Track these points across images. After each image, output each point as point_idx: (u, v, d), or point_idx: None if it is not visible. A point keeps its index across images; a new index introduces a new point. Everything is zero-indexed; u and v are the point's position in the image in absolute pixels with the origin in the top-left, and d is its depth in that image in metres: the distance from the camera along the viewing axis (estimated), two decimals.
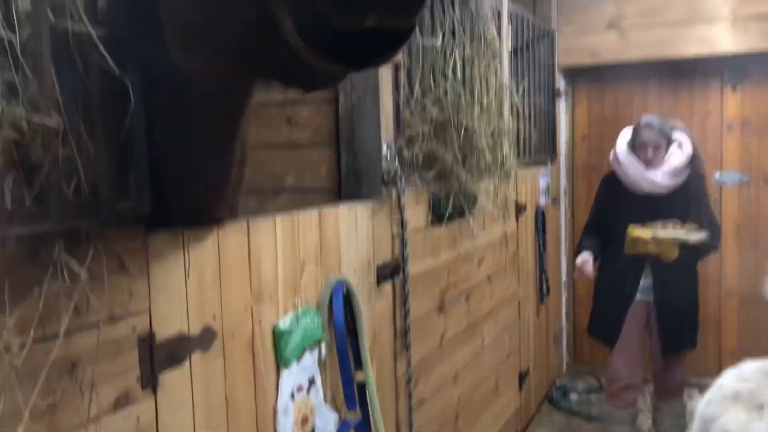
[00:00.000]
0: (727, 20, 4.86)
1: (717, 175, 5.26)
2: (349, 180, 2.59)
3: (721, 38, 4.88)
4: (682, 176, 3.76)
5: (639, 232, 3.60)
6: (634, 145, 3.80)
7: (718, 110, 5.27)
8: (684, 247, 3.57)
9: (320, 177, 2.71)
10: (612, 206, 3.91)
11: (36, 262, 1.14)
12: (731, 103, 5.26)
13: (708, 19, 4.90)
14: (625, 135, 3.92)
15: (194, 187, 1.48)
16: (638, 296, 3.82)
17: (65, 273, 1.16)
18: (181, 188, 1.48)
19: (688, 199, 3.77)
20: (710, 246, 3.73)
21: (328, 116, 2.67)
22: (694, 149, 3.78)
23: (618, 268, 3.83)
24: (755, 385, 2.22)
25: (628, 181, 3.79)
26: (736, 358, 4.60)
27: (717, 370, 4.82)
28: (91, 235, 1.26)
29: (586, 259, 3.83)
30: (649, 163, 3.73)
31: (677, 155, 3.75)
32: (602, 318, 3.98)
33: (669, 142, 3.79)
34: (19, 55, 1.11)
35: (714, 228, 3.77)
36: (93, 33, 1.23)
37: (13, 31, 1.09)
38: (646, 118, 3.88)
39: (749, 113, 5.21)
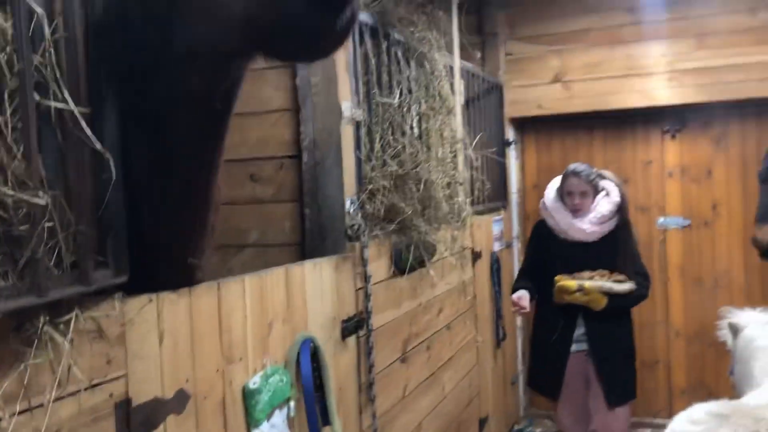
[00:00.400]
0: (664, 74, 5.16)
1: (660, 219, 5.50)
2: (314, 235, 2.65)
3: (660, 91, 5.17)
4: (610, 224, 3.83)
5: (565, 281, 3.63)
6: (562, 193, 3.88)
7: (660, 158, 5.54)
8: (612, 296, 3.63)
9: (284, 232, 2.76)
10: (542, 253, 3.98)
11: (20, 336, 1.16)
12: (671, 151, 5.54)
13: (647, 73, 5.19)
14: (554, 183, 4.01)
15: (174, 231, 1.53)
16: (574, 347, 3.84)
17: (49, 345, 1.18)
18: (161, 235, 1.53)
19: (616, 247, 3.82)
20: (639, 295, 3.80)
21: (292, 173, 2.74)
22: (622, 197, 3.86)
23: (552, 317, 3.85)
24: (705, 427, 2.34)
25: (557, 229, 3.88)
26: (686, 395, 4.74)
27: (668, 408, 4.97)
28: (72, 305, 1.28)
29: (521, 295, 3.87)
30: (577, 211, 3.81)
31: (604, 203, 3.82)
32: (540, 370, 4.00)
33: (596, 190, 3.87)
34: (9, 135, 1.14)
35: (642, 277, 3.83)
36: (75, 110, 1.28)
37: (2, 113, 1.13)
38: (573, 166, 3.95)
39: (688, 161, 5.49)
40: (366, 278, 2.62)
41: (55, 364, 1.23)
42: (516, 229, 5.65)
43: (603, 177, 3.95)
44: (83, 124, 1.29)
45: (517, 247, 5.64)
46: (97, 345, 1.36)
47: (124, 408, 1.44)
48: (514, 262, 5.53)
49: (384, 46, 3.00)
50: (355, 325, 2.55)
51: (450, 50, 3.86)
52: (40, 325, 1.18)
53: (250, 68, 2.23)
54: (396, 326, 2.98)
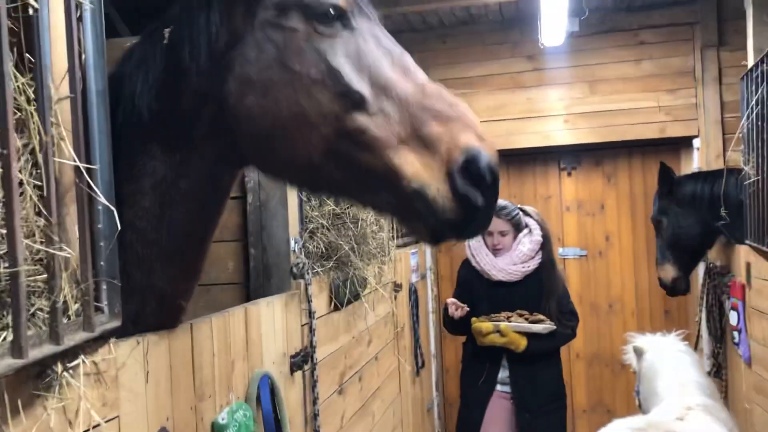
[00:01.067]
0: (561, 117, 5.64)
1: (560, 250, 5.94)
2: (259, 273, 2.75)
3: (557, 132, 5.64)
4: (534, 262, 3.77)
5: (480, 323, 3.59)
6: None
7: (558, 193, 6.01)
8: (533, 337, 3.56)
9: (227, 271, 2.84)
10: (468, 293, 3.90)
11: (40, 383, 1.23)
12: (567, 187, 6.02)
13: (545, 115, 5.65)
14: None
15: (176, 278, 1.64)
16: (499, 387, 3.77)
17: (66, 390, 1.25)
18: (165, 283, 1.67)
19: (540, 286, 3.74)
20: (565, 335, 3.75)
21: (236, 213, 2.83)
22: (545, 235, 3.81)
23: (478, 359, 3.77)
24: None
25: (480, 269, 3.82)
26: (587, 414, 5.14)
27: (571, 425, 5.34)
28: (77, 350, 1.35)
29: (453, 300, 3.83)
30: (498, 251, 3.75)
31: (526, 242, 3.75)
32: (467, 414, 3.85)
33: (518, 227, 3.81)
34: (32, 193, 1.22)
35: (570, 316, 3.79)
36: (84, 171, 1.37)
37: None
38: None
39: (583, 196, 5.99)
40: (310, 314, 2.74)
41: (67, 409, 1.29)
42: (429, 261, 5.92)
43: (525, 213, 3.89)
44: (89, 179, 1.38)
45: (430, 278, 5.91)
46: (97, 388, 1.43)
47: None
48: (428, 293, 5.78)
49: None
50: (301, 360, 2.66)
51: None
52: (59, 372, 1.24)
53: None
54: (334, 359, 3.11)
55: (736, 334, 4.34)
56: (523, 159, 6.03)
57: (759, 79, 3.69)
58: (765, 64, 3.57)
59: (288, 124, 1.46)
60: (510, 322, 3.56)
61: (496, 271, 3.76)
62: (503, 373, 3.73)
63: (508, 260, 3.73)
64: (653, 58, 5.51)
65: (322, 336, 2.94)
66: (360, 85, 1.43)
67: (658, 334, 3.54)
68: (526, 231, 3.82)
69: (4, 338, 1.15)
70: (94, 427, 1.41)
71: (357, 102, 1.42)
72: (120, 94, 1.59)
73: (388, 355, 4.11)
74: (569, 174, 6.02)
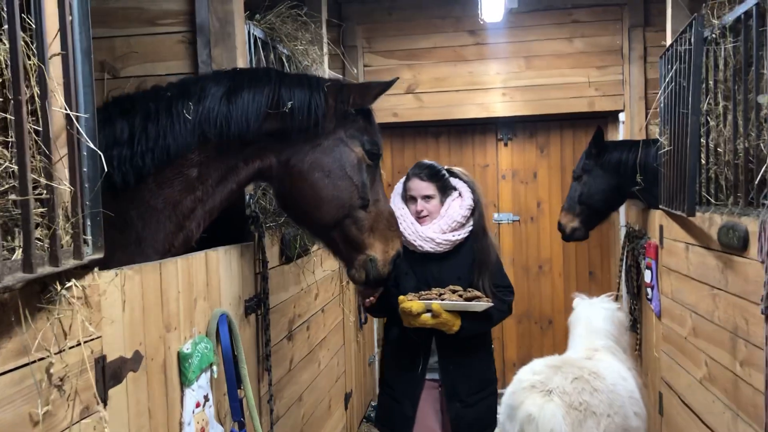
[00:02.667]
0: (499, 90, 5.96)
1: (495, 215, 6.31)
2: None
3: (495, 104, 5.97)
4: (464, 231, 3.25)
5: (409, 303, 3.02)
6: (406, 197, 3.31)
7: (495, 162, 6.36)
8: (466, 316, 3.06)
9: None
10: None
11: (45, 297, 1.45)
12: (504, 157, 6.38)
13: (485, 88, 5.96)
14: (399, 187, 3.42)
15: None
16: (428, 375, 3.27)
17: (64, 305, 1.48)
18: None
19: (473, 257, 3.26)
20: (501, 311, 3.25)
21: None
22: (476, 199, 3.31)
23: (404, 344, 3.24)
24: (544, 377, 3.00)
25: (404, 239, 3.09)
26: (516, 367, 5.53)
27: (502, 379, 5.78)
28: (69, 276, 1.57)
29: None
30: (423, 218, 3.23)
31: (456, 207, 3.24)
32: (398, 409, 3.27)
33: (445, 190, 3.28)
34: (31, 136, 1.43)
35: (505, 290, 3.31)
36: (74, 117, 1.57)
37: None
38: (418, 164, 3.37)
39: (517, 165, 6.36)
40: (264, 264, 2.98)
41: (63, 323, 1.51)
42: None
43: (453, 174, 3.41)
44: (81, 131, 1.59)
45: None
46: (85, 309, 1.65)
47: (101, 363, 1.73)
48: None
49: (272, 57, 3.38)
50: (255, 304, 2.91)
51: (321, 62, 4.30)
52: (59, 290, 1.46)
53: (157, 78, 2.92)
54: (284, 307, 3.36)
55: (649, 290, 4.79)
56: (464, 129, 6.36)
57: (674, 58, 4.07)
58: (679, 44, 3.94)
59: (326, 197, 2.48)
60: (442, 299, 3.02)
61: (422, 241, 3.19)
62: (432, 359, 3.24)
63: (435, 228, 3.20)
64: (585, 36, 5.87)
65: (273, 285, 3.18)
66: (370, 195, 2.57)
67: (597, 298, 3.88)
68: (455, 194, 3.30)
69: (15, 257, 1.37)
70: (85, 341, 1.64)
71: (365, 204, 2.56)
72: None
73: (333, 309, 4.39)
74: (506, 144, 6.38)
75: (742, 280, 2.98)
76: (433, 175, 3.29)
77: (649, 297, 4.80)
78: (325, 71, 4.41)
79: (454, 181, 3.36)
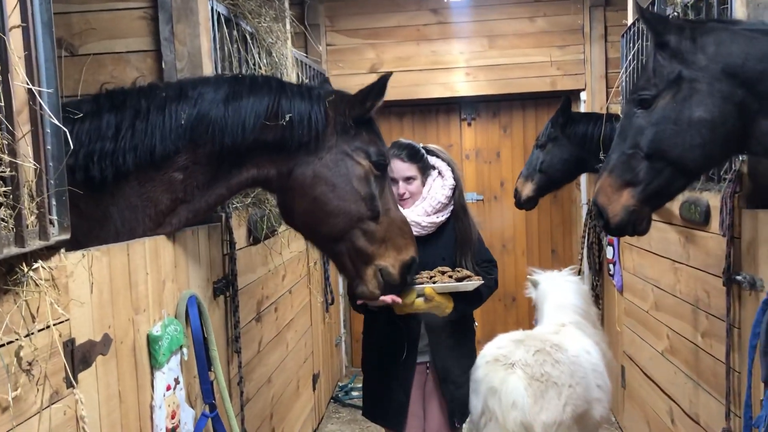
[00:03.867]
0: (462, 70, 5.97)
1: None
2: None
3: (458, 84, 5.97)
4: (446, 211, 3.15)
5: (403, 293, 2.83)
6: None
7: (459, 142, 6.38)
8: (457, 297, 2.98)
9: None
10: None
11: (11, 279, 1.39)
12: (467, 136, 6.40)
13: (448, 68, 5.96)
14: None
15: None
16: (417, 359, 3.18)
17: (32, 286, 1.43)
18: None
19: (454, 236, 3.16)
20: (488, 287, 3.17)
21: None
22: (456, 178, 3.21)
23: (392, 328, 3.11)
24: (507, 350, 3.03)
25: None
26: (480, 344, 5.56)
27: None
28: (36, 257, 1.52)
29: None
30: (404, 201, 3.09)
31: (438, 188, 3.13)
32: (389, 396, 3.17)
33: (425, 170, 3.17)
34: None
35: (489, 264, 3.26)
36: (36, 92, 1.51)
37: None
38: (396, 143, 3.20)
39: (481, 144, 6.39)
40: (231, 245, 2.94)
41: (31, 305, 1.47)
42: None
43: (432, 153, 3.27)
44: (47, 109, 1.53)
45: None
46: (52, 291, 1.60)
47: (70, 346, 1.68)
48: None
49: (236, 35, 3.31)
50: (223, 286, 2.87)
51: (285, 40, 4.23)
52: (26, 271, 1.41)
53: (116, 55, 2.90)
54: (252, 289, 3.33)
55: (611, 266, 4.89)
56: (428, 109, 6.35)
57: (635, 37, 4.12)
58: (640, 23, 3.98)
59: (332, 211, 2.41)
60: (434, 282, 2.93)
61: None
62: (422, 342, 3.16)
63: (419, 211, 3.09)
64: (547, 15, 5.90)
65: (241, 267, 3.14)
66: (380, 207, 2.49)
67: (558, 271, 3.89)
68: (435, 174, 3.20)
69: None
70: (54, 324, 1.59)
71: (375, 215, 2.48)
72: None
73: (301, 290, 4.36)
74: (469, 124, 6.40)
75: (704, 253, 3.05)
76: (414, 155, 3.14)
77: (611, 273, 4.89)
78: (289, 49, 4.34)
79: (432, 159, 3.24)
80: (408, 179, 3.12)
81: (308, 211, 2.44)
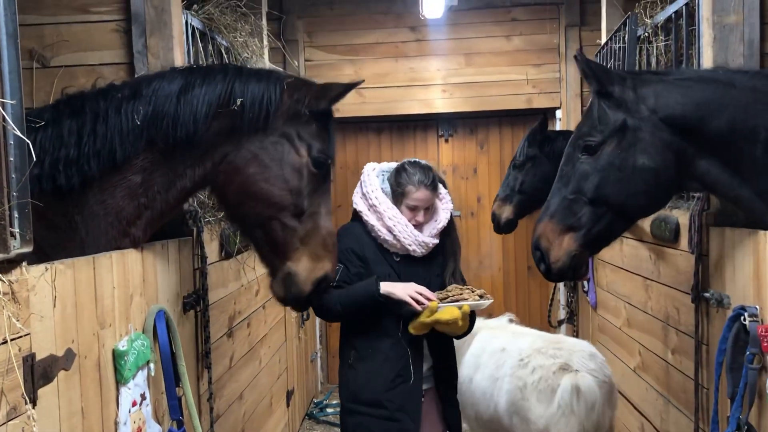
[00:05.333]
0: (439, 86, 6.01)
1: None
2: None
3: (436, 101, 6.01)
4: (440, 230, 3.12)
5: (450, 308, 2.78)
6: (398, 199, 3.04)
7: (436, 157, 6.41)
8: (471, 315, 2.89)
9: None
10: (367, 271, 3.00)
11: None
12: (445, 152, 6.44)
13: (425, 84, 6.00)
14: (376, 182, 3.13)
15: None
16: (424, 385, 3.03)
17: None
18: None
19: (445, 256, 3.13)
20: None
21: None
22: (451, 199, 3.22)
23: (394, 351, 2.94)
24: (563, 356, 3.14)
25: (393, 242, 3.00)
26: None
27: None
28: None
29: (422, 290, 2.86)
30: (419, 225, 3.04)
31: (441, 210, 3.13)
32: (388, 428, 2.93)
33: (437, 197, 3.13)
34: None
35: (463, 281, 3.16)
36: (0, 105, 1.50)
37: None
38: (422, 169, 3.06)
39: (458, 161, 6.43)
40: (203, 259, 2.92)
41: None
42: None
43: (440, 180, 3.20)
44: (7, 115, 1.51)
45: None
46: (12, 305, 1.57)
47: (29, 362, 1.65)
48: None
49: (211, 49, 3.30)
50: (194, 301, 2.84)
51: (261, 55, 4.23)
52: None
53: (89, 68, 2.88)
54: (224, 303, 3.30)
55: (585, 283, 4.92)
56: (406, 125, 6.38)
57: (608, 56, 4.18)
58: (614, 42, 4.05)
59: (259, 193, 2.34)
60: (464, 300, 2.82)
61: (416, 245, 3.01)
62: (426, 365, 3.04)
63: (427, 233, 3.05)
64: (523, 34, 5.98)
65: (213, 281, 3.12)
66: (305, 205, 2.40)
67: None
68: (439, 199, 3.16)
69: None
70: (12, 339, 1.56)
71: (298, 211, 2.40)
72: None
73: (275, 305, 4.32)
74: (446, 140, 6.43)
75: (674, 270, 3.09)
76: (435, 184, 3.07)
77: (586, 289, 4.92)
78: (266, 64, 4.35)
79: (440, 187, 3.18)
80: (428, 207, 3.07)
81: (236, 192, 2.37)
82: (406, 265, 3.03)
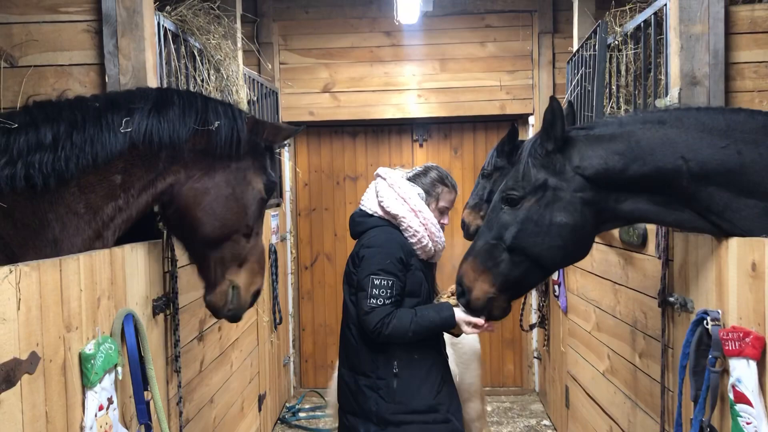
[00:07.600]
0: (414, 91, 6.04)
1: None
2: None
3: (411, 105, 6.04)
4: None
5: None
6: (429, 202, 3.07)
7: (410, 162, 6.43)
8: None
9: None
10: (405, 278, 2.95)
11: None
12: (419, 157, 6.46)
13: (400, 89, 6.02)
14: (409, 186, 3.08)
15: None
16: None
17: None
18: None
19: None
20: None
21: None
22: None
23: (435, 358, 3.03)
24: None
25: (429, 248, 3.01)
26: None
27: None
28: None
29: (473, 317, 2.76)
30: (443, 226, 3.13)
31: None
32: (451, 429, 2.96)
33: None
34: None
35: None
36: None
37: None
38: (446, 173, 3.19)
39: None
40: (173, 262, 2.89)
41: None
42: (289, 224, 6.15)
43: None
44: None
45: (290, 241, 6.14)
46: None
47: None
48: (288, 254, 6.02)
49: (183, 51, 3.29)
50: (163, 304, 2.82)
51: (235, 57, 4.22)
52: None
53: (58, 68, 2.90)
54: (194, 307, 3.27)
55: (556, 288, 4.97)
56: (381, 129, 6.39)
57: (579, 63, 4.24)
58: (585, 50, 4.11)
59: (224, 214, 2.53)
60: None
61: (441, 249, 3.11)
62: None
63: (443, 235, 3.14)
64: (497, 41, 6.03)
65: (183, 284, 3.10)
66: (255, 226, 2.66)
67: None
68: None
69: None
70: None
71: (249, 232, 2.63)
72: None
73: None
74: (421, 145, 6.46)
75: (642, 275, 3.13)
76: (455, 187, 3.23)
77: (557, 294, 4.97)
78: (240, 67, 4.33)
79: None
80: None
81: (202, 211, 2.53)
82: (427, 270, 3.08)
